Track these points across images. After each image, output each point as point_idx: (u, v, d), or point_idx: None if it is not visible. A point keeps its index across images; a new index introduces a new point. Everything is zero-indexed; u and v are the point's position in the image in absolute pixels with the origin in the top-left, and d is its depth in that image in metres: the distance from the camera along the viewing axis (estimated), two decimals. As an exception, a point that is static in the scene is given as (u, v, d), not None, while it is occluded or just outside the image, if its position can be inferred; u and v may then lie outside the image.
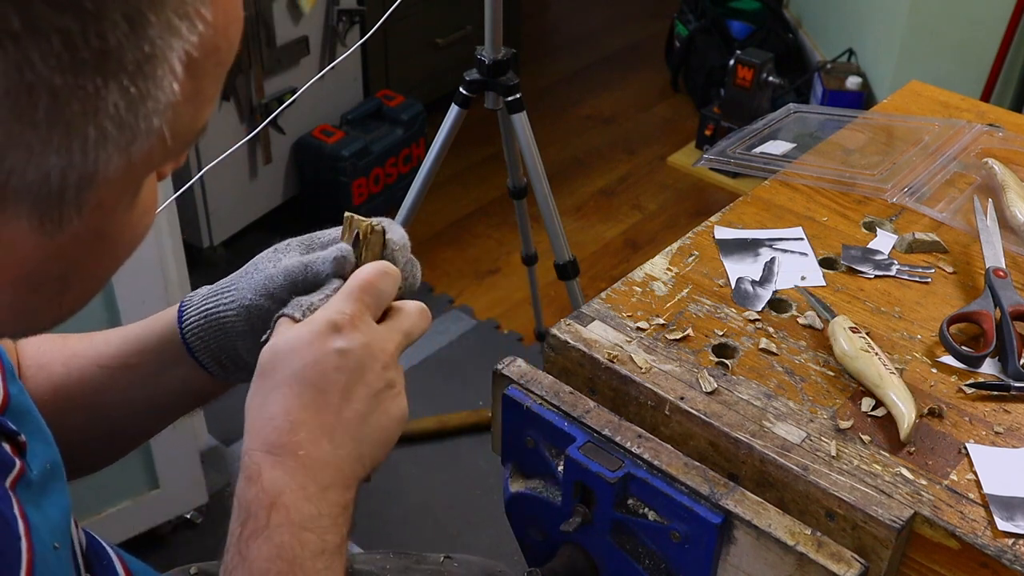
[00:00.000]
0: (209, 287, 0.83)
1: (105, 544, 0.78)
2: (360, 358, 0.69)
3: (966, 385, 0.89)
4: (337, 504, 0.67)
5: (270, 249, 0.81)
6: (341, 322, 0.69)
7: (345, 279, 0.74)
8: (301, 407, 0.67)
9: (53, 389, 0.81)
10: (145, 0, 0.46)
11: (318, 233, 0.81)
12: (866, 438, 0.83)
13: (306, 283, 0.77)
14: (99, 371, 0.82)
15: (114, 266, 0.58)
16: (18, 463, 0.63)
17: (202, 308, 0.81)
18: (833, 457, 0.81)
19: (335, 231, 0.80)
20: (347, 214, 0.78)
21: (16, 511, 0.60)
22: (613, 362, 0.89)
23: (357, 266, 0.76)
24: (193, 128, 0.54)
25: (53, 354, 0.83)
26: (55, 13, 0.43)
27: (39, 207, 0.48)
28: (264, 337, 0.73)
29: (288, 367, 0.68)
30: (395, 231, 0.80)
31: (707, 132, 3.25)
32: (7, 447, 0.63)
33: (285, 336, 0.70)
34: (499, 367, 0.89)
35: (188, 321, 0.81)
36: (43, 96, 0.44)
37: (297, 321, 0.71)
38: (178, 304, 0.83)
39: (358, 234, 0.77)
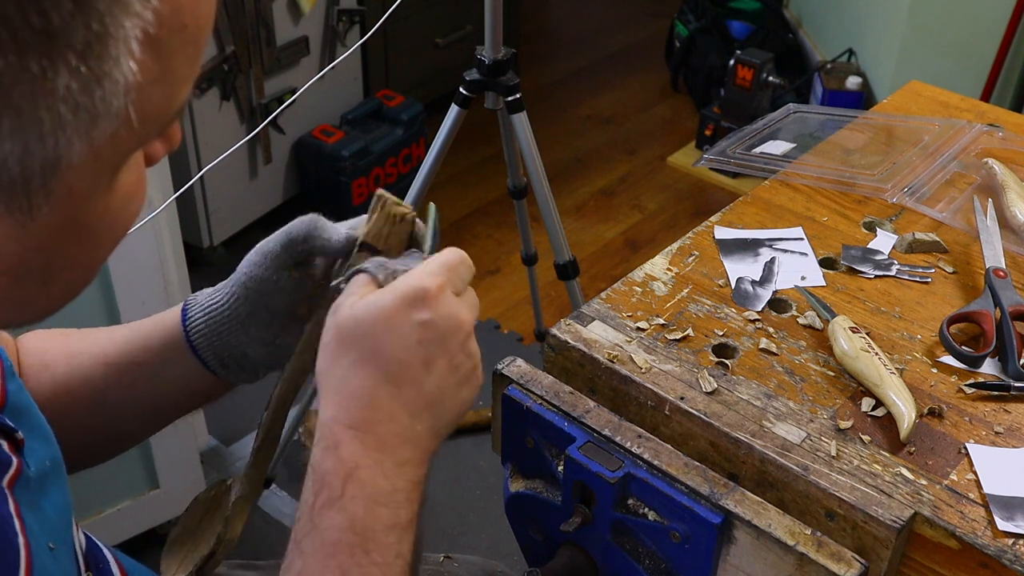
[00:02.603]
0: (212, 288, 0.83)
1: (101, 545, 0.78)
2: (443, 330, 0.69)
3: (966, 385, 0.89)
4: (411, 479, 0.68)
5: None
6: (426, 294, 0.68)
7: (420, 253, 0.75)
8: (383, 381, 0.67)
9: (56, 387, 0.81)
10: None
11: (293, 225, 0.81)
12: (866, 438, 0.83)
13: (310, 239, 0.77)
14: (104, 368, 0.82)
15: (101, 254, 0.58)
16: (15, 461, 0.62)
17: (206, 307, 0.81)
18: (833, 457, 0.81)
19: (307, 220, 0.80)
20: (379, 192, 0.77)
21: (12, 510, 0.59)
22: (613, 362, 0.89)
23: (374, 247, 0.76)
24: (168, 109, 0.52)
25: (56, 352, 0.83)
26: None
27: (4, 195, 0.47)
28: (335, 283, 0.72)
29: (371, 338, 0.67)
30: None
31: (707, 132, 3.25)
32: (4, 445, 0.63)
33: (368, 302, 0.68)
34: (499, 367, 0.89)
35: (192, 321, 0.81)
36: None
37: (378, 282, 0.71)
38: (181, 304, 0.83)
39: (391, 215, 0.76)
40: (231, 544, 0.81)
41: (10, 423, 0.64)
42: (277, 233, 0.80)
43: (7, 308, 0.55)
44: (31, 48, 0.43)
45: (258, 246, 0.80)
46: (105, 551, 0.78)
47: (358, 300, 0.69)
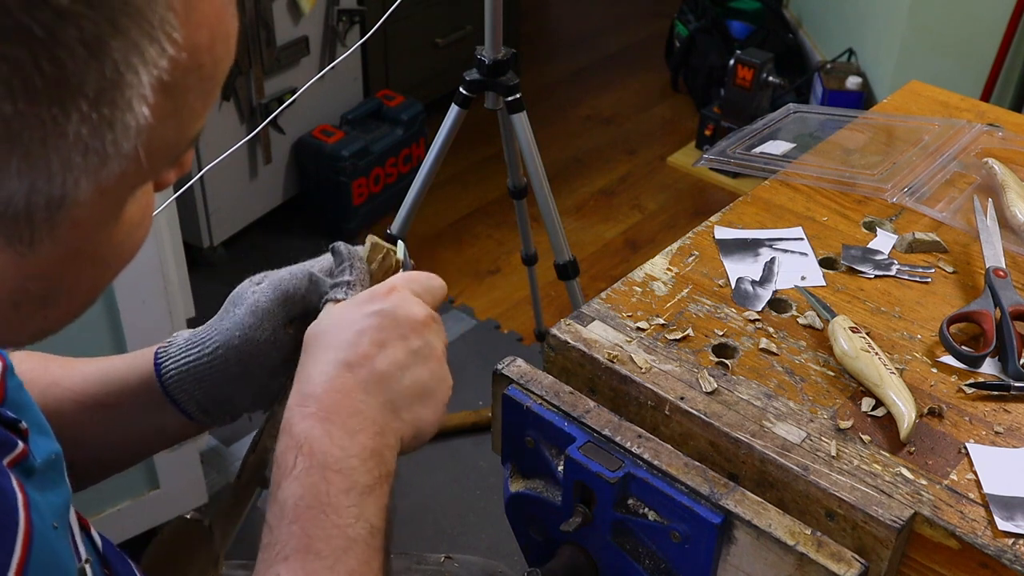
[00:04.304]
0: (188, 335, 0.82)
1: (126, 558, 0.78)
2: (396, 317, 0.72)
3: (966, 385, 0.89)
4: (366, 447, 0.69)
5: (243, 283, 0.82)
6: (379, 293, 0.74)
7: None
8: (336, 364, 0.70)
9: None
10: (105, 26, 0.43)
11: (288, 269, 0.83)
12: (866, 438, 0.83)
13: (307, 296, 0.80)
14: (74, 406, 0.81)
15: (103, 282, 0.57)
16: (20, 445, 0.62)
17: (182, 360, 0.80)
18: (833, 457, 0.81)
19: (307, 265, 0.82)
20: (372, 239, 0.81)
21: (15, 485, 0.59)
22: (613, 362, 0.89)
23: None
24: (180, 144, 0.52)
25: (33, 375, 0.81)
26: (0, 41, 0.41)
27: (6, 228, 0.47)
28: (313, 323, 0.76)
29: (326, 334, 0.72)
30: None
31: (707, 132, 3.25)
32: (6, 431, 0.63)
33: (330, 311, 0.75)
34: (499, 367, 0.89)
35: (168, 373, 0.80)
36: None
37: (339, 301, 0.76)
38: (153, 351, 0.82)
39: (389, 265, 0.80)
40: None
41: (12, 414, 0.64)
42: (267, 290, 0.80)
43: (4, 330, 0.54)
44: (42, 95, 0.43)
45: (248, 304, 0.80)
46: (130, 563, 0.77)
47: (321, 318, 0.75)
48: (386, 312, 0.72)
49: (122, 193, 0.51)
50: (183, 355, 0.81)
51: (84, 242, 0.52)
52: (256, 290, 0.80)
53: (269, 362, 0.81)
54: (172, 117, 0.49)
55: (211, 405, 0.81)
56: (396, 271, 0.80)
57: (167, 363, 0.81)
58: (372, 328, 0.72)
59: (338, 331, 0.72)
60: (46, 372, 0.83)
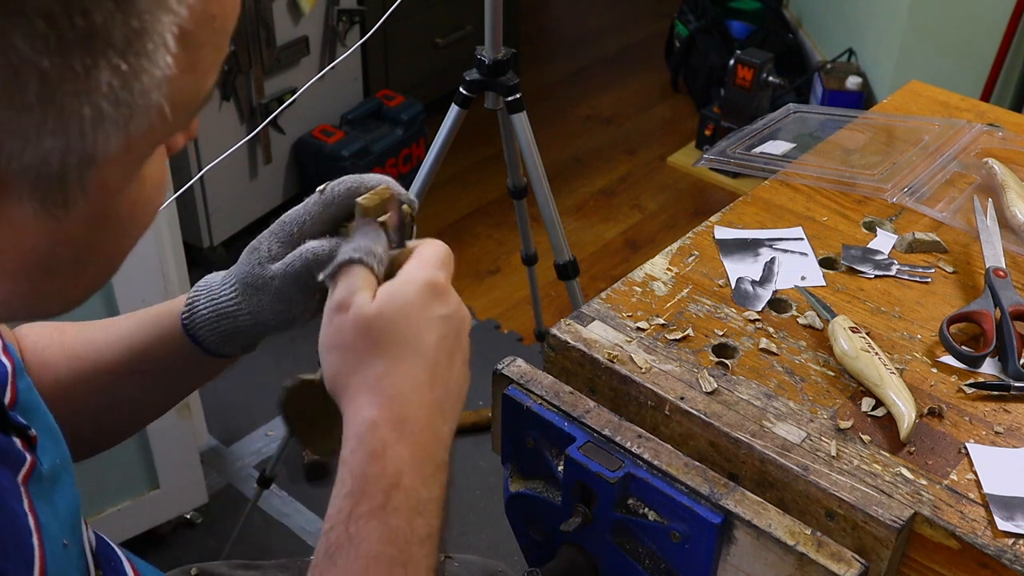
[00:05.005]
0: (206, 282, 0.79)
1: (113, 545, 0.78)
2: (458, 324, 0.68)
3: (966, 385, 0.89)
4: (443, 485, 0.66)
5: (251, 255, 0.77)
6: (441, 287, 0.68)
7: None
8: (422, 382, 0.66)
9: (58, 387, 0.80)
10: None
11: (285, 217, 0.77)
12: (866, 438, 0.83)
13: (321, 260, 0.73)
14: (107, 377, 0.81)
15: (127, 246, 0.58)
16: (29, 458, 0.63)
17: (212, 309, 0.78)
18: (833, 457, 0.81)
19: (301, 209, 0.77)
20: (383, 187, 0.74)
21: (26, 507, 0.60)
22: (613, 362, 0.89)
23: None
24: (195, 98, 0.53)
25: (54, 350, 0.82)
26: None
27: (41, 190, 0.48)
28: (323, 275, 0.69)
29: (403, 335, 0.66)
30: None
31: (707, 132, 3.25)
32: (18, 442, 0.63)
33: (391, 296, 0.66)
34: (499, 367, 0.89)
35: (200, 328, 0.78)
36: (32, 79, 0.44)
37: (372, 271, 0.68)
38: (184, 298, 0.80)
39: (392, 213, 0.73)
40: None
41: (23, 420, 0.64)
42: (289, 277, 0.75)
43: (36, 300, 0.56)
44: (75, 47, 0.44)
45: (271, 290, 0.75)
46: (117, 551, 0.78)
47: (370, 296, 0.66)
48: (452, 320, 0.68)
49: (145, 150, 0.53)
50: (210, 303, 0.77)
51: (110, 204, 0.53)
52: (274, 274, 0.75)
53: (305, 313, 0.77)
54: (190, 71, 0.50)
55: (229, 333, 0.78)
56: (404, 216, 0.74)
57: (198, 310, 0.78)
58: (444, 336, 0.67)
59: (412, 334, 0.66)
60: (64, 343, 0.83)
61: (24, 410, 0.67)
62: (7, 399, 0.66)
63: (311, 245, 0.74)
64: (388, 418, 0.64)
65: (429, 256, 0.69)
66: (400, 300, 0.66)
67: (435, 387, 0.66)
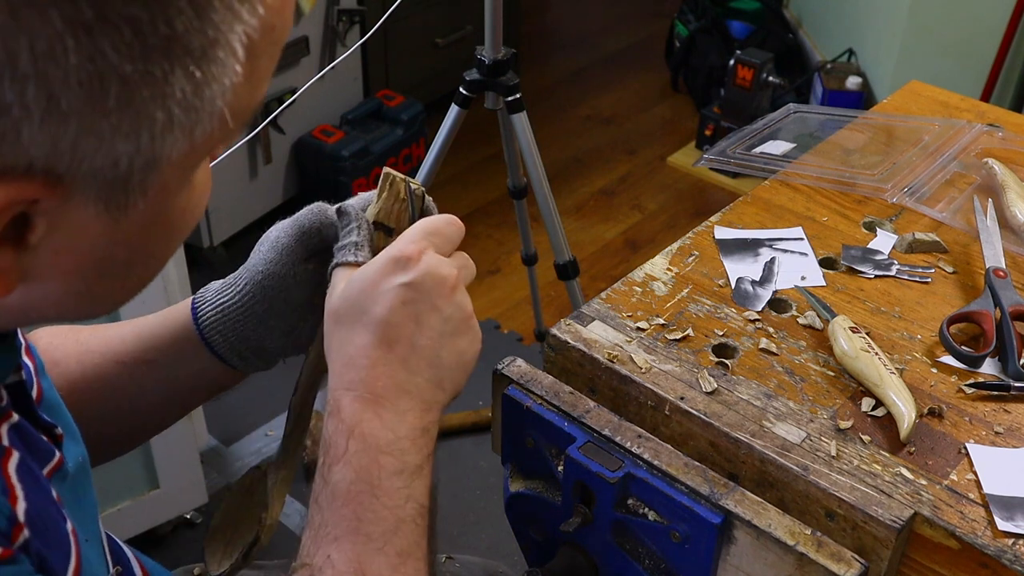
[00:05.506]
0: (221, 282, 0.84)
1: (120, 542, 0.79)
2: (427, 287, 0.72)
3: (966, 385, 0.89)
4: (415, 427, 0.71)
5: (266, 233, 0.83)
6: (406, 259, 0.72)
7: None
8: (376, 345, 0.71)
9: (68, 385, 0.81)
10: None
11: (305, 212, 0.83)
12: (866, 438, 0.83)
13: (323, 229, 0.80)
14: (116, 367, 0.83)
15: (173, 247, 0.60)
16: (57, 454, 0.64)
17: (217, 303, 0.82)
18: (833, 457, 0.81)
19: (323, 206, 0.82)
20: (386, 170, 0.79)
21: (56, 501, 0.61)
22: (613, 362, 0.89)
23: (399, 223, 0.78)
24: (250, 106, 0.54)
25: (66, 349, 0.83)
26: (124, 3, 0.44)
27: (106, 192, 0.49)
28: (329, 290, 0.75)
29: (359, 308, 0.72)
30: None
31: (707, 132, 3.25)
32: (45, 439, 0.64)
33: (351, 279, 0.73)
34: (499, 367, 0.89)
35: (204, 317, 0.82)
36: (114, 84, 0.45)
37: (356, 265, 0.74)
38: (190, 300, 0.84)
39: (400, 192, 0.78)
40: (272, 528, 0.82)
41: (48, 418, 0.65)
42: (287, 226, 0.82)
43: (88, 301, 0.57)
44: (155, 53, 0.46)
45: (270, 241, 0.82)
46: (126, 550, 0.78)
47: (343, 283, 0.73)
48: (416, 284, 0.71)
49: (201, 156, 0.54)
50: (217, 298, 0.82)
51: (165, 207, 0.54)
52: (277, 226, 0.82)
53: (293, 299, 0.81)
54: (249, 79, 0.52)
55: (245, 349, 0.83)
56: (417, 203, 0.79)
57: (203, 308, 0.82)
58: (405, 302, 0.71)
59: (368, 305, 0.71)
60: (78, 342, 0.85)
61: (48, 408, 0.68)
62: (34, 395, 0.66)
63: (321, 204, 0.81)
64: (342, 381, 0.71)
65: (411, 231, 0.75)
66: (358, 279, 0.73)
67: (395, 347, 0.71)
